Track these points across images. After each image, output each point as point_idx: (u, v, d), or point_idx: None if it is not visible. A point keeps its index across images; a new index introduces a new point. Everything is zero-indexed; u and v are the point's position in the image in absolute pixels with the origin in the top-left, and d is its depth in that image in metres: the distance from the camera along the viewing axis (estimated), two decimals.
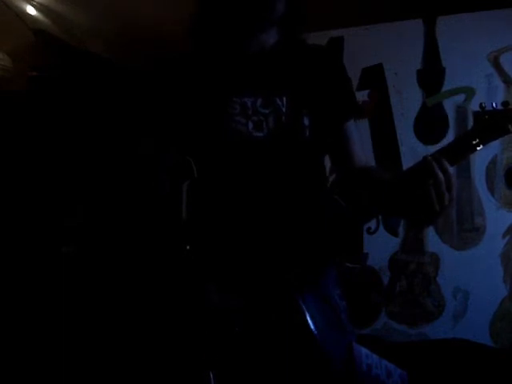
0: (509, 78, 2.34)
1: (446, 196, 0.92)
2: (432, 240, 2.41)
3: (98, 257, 2.38)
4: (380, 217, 2.26)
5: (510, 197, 2.37)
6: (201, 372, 0.98)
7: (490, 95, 2.35)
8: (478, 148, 0.96)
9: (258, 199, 1.07)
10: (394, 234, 2.41)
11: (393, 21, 2.41)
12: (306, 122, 1.10)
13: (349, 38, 2.40)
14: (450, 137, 2.40)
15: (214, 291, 1.03)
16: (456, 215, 2.39)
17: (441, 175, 0.91)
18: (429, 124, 2.41)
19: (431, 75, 2.41)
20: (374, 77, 2.42)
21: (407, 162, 2.40)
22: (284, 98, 1.10)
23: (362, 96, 2.38)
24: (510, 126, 0.97)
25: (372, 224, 2.37)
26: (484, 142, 0.96)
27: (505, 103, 0.98)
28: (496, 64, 2.35)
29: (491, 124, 0.97)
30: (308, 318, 0.99)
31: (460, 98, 2.39)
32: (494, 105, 0.98)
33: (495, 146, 2.31)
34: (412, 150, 2.41)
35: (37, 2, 2.55)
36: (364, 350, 1.01)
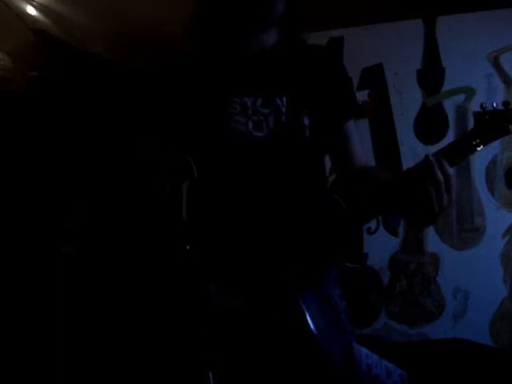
0: (509, 78, 2.34)
1: (444, 197, 0.92)
2: (432, 240, 2.41)
3: (97, 257, 2.38)
4: (380, 217, 2.26)
5: (510, 197, 2.37)
6: (200, 372, 0.98)
7: (489, 95, 2.35)
8: (479, 148, 0.96)
9: (258, 199, 1.07)
10: (394, 234, 2.41)
11: (393, 21, 2.41)
12: (306, 121, 1.10)
13: (349, 38, 2.40)
14: (449, 137, 2.40)
15: (214, 291, 1.03)
16: (456, 215, 2.39)
17: (440, 176, 0.92)
18: (429, 124, 2.41)
19: (431, 75, 2.41)
20: (374, 77, 2.42)
21: (407, 162, 2.40)
22: (284, 98, 1.10)
23: (361, 96, 2.39)
24: (510, 127, 0.97)
25: (372, 224, 2.37)
26: (484, 143, 0.96)
27: (505, 103, 0.98)
28: (496, 64, 2.35)
29: (492, 124, 0.97)
30: (308, 318, 0.99)
31: (460, 98, 2.39)
32: (494, 105, 0.98)
33: (495, 146, 2.31)
34: (412, 150, 2.41)
35: (37, 2, 2.55)
36: (364, 350, 1.01)
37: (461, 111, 2.39)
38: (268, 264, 1.02)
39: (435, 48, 2.41)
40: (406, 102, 2.43)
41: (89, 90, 2.65)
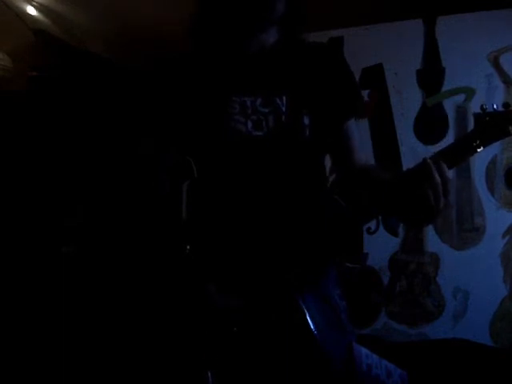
0: (509, 78, 2.34)
1: (442, 200, 0.93)
2: (432, 240, 2.41)
3: (98, 257, 2.38)
4: (380, 217, 2.26)
5: (509, 197, 2.37)
6: (199, 372, 0.98)
7: (489, 95, 2.35)
8: (479, 150, 0.96)
9: (258, 199, 1.07)
10: (394, 234, 2.41)
11: (393, 21, 2.41)
12: (306, 121, 1.09)
13: (349, 38, 2.40)
14: (449, 137, 2.40)
15: (214, 291, 1.03)
16: (456, 215, 2.39)
17: (438, 179, 0.92)
18: (429, 124, 2.42)
19: (431, 75, 2.41)
20: (374, 77, 2.42)
21: (407, 162, 2.40)
22: (284, 98, 1.10)
23: None
24: (510, 128, 0.97)
25: (372, 224, 2.37)
26: (485, 144, 0.96)
27: (506, 105, 0.99)
28: (496, 64, 2.35)
29: (492, 126, 0.97)
30: (308, 318, 0.99)
31: (460, 98, 2.39)
32: (494, 106, 0.98)
33: (495, 146, 2.29)
34: (412, 150, 2.41)
35: (37, 2, 2.55)
36: (364, 350, 1.01)
37: (461, 111, 2.39)
38: (268, 264, 1.02)
39: (435, 48, 2.41)
40: (406, 102, 2.43)
41: (89, 90, 2.65)
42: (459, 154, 0.97)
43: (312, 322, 0.99)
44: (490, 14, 2.33)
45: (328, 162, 1.28)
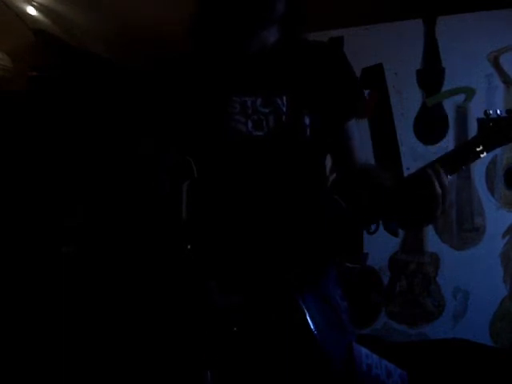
0: (509, 78, 2.34)
1: (440, 208, 0.93)
2: (432, 240, 2.41)
3: (98, 257, 2.38)
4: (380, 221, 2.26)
5: (509, 197, 2.37)
6: (199, 371, 0.98)
7: (489, 95, 2.35)
8: (482, 155, 0.97)
9: (258, 199, 1.07)
10: (394, 234, 2.41)
11: (393, 21, 2.41)
12: (307, 121, 1.09)
13: (349, 38, 2.40)
14: (449, 137, 2.40)
15: (214, 291, 1.03)
16: (456, 215, 2.39)
17: (438, 189, 0.92)
18: (429, 124, 2.42)
19: (431, 75, 2.41)
20: (374, 77, 2.42)
21: (407, 162, 2.40)
22: (284, 98, 1.10)
23: None
24: None
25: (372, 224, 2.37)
26: (488, 149, 0.97)
27: (509, 111, 0.99)
28: (496, 64, 2.35)
29: (496, 131, 0.97)
30: (308, 318, 0.99)
31: (460, 98, 2.39)
32: (498, 112, 0.98)
33: None
34: (412, 150, 2.41)
35: (37, 2, 2.55)
36: (364, 350, 1.01)
37: (461, 111, 2.39)
38: (268, 264, 1.02)
39: (435, 48, 2.40)
40: (406, 102, 2.43)
41: (89, 90, 2.65)
42: (462, 159, 0.97)
43: (312, 322, 0.99)
44: (490, 14, 2.33)
45: (328, 161, 1.28)
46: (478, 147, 0.96)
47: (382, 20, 2.40)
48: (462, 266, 2.37)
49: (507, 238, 2.36)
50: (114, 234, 2.37)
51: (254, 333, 0.99)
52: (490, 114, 0.98)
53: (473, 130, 2.35)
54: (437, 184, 0.92)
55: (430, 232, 2.40)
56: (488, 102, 2.34)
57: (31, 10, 2.59)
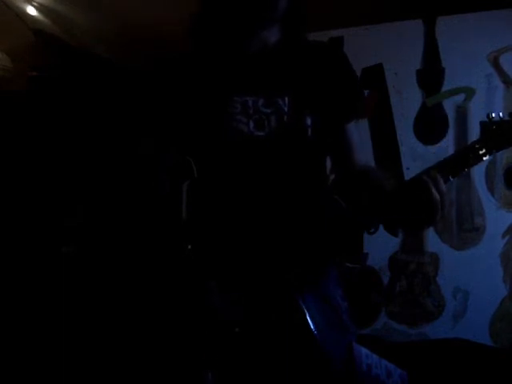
0: (508, 78, 2.34)
1: (439, 214, 0.94)
2: (432, 240, 2.41)
3: (98, 257, 2.38)
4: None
5: (509, 197, 2.37)
6: (199, 372, 0.98)
7: (489, 95, 2.35)
8: (485, 158, 0.97)
9: (259, 199, 1.07)
10: (394, 234, 2.41)
11: (393, 21, 2.40)
12: (309, 121, 1.09)
13: (349, 38, 2.40)
14: (449, 137, 2.40)
15: (215, 291, 1.03)
16: (456, 215, 2.40)
17: (437, 195, 0.93)
18: (429, 124, 2.42)
19: (431, 75, 2.41)
20: (374, 77, 2.42)
21: (407, 162, 2.40)
22: (286, 98, 1.10)
23: None
24: None
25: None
26: (491, 152, 0.97)
27: (511, 114, 0.99)
28: (496, 64, 2.35)
29: (499, 134, 0.97)
30: (308, 318, 0.99)
31: (460, 98, 2.39)
32: (500, 115, 0.99)
33: None
34: (412, 150, 2.41)
35: (37, 2, 2.55)
36: (364, 350, 1.01)
37: (461, 111, 2.39)
38: (268, 264, 1.02)
39: (435, 48, 2.40)
40: (406, 101, 2.43)
41: (89, 90, 2.65)
42: (465, 162, 0.97)
43: (312, 322, 0.99)
44: (490, 14, 2.33)
45: (328, 162, 1.27)
46: (481, 150, 0.96)
47: (382, 20, 2.40)
48: (462, 266, 2.37)
49: (507, 237, 2.36)
50: (113, 234, 2.37)
51: (255, 333, 0.99)
52: (492, 117, 0.99)
53: (473, 130, 2.35)
54: (434, 190, 0.93)
55: (430, 232, 2.40)
56: (488, 102, 2.34)
57: (31, 10, 2.59)
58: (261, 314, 1.00)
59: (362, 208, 1.01)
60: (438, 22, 2.39)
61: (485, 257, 2.36)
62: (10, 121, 2.52)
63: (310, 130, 1.09)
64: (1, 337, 2.14)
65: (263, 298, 1.01)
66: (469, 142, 1.00)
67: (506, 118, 0.99)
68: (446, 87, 2.40)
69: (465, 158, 0.97)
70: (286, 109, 1.09)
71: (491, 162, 2.35)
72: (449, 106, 2.40)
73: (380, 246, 2.37)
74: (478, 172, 2.36)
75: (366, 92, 2.42)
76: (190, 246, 1.08)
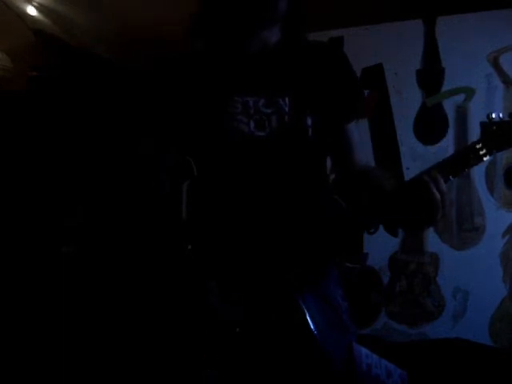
0: (508, 78, 2.34)
1: (440, 213, 0.94)
2: (432, 240, 2.41)
3: (98, 257, 2.38)
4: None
5: (509, 197, 2.37)
6: (200, 372, 0.98)
7: (489, 95, 2.35)
8: (485, 158, 0.97)
9: (259, 199, 1.07)
10: (394, 234, 2.41)
11: (393, 21, 2.41)
12: (309, 121, 1.09)
13: (349, 38, 2.40)
14: (449, 137, 2.40)
15: (215, 291, 1.03)
16: (456, 215, 2.40)
17: (437, 195, 0.93)
18: (429, 124, 2.42)
19: (431, 75, 2.41)
20: (374, 77, 2.42)
21: (407, 162, 2.40)
22: (287, 98, 1.10)
23: None
24: None
25: None
26: (491, 153, 0.97)
27: (511, 114, 0.99)
28: (496, 64, 2.35)
29: (499, 135, 0.97)
30: (308, 318, 0.99)
31: (460, 98, 2.39)
32: (500, 115, 0.99)
33: None
34: (412, 150, 2.41)
35: (37, 2, 2.55)
36: (364, 350, 1.01)
37: (461, 111, 2.39)
38: (268, 264, 1.02)
39: (435, 48, 2.40)
40: (406, 101, 2.43)
41: (88, 90, 2.65)
42: (465, 162, 0.97)
43: (312, 322, 0.99)
44: (490, 14, 2.33)
45: (328, 162, 1.27)
46: (482, 150, 0.96)
47: (382, 20, 2.40)
48: (462, 266, 2.37)
49: (507, 237, 2.36)
50: (113, 234, 2.37)
51: (255, 333, 1.00)
52: (492, 118, 0.99)
53: (473, 130, 2.35)
54: (435, 190, 0.93)
55: (430, 232, 2.40)
56: (488, 102, 2.34)
57: (31, 10, 2.60)
58: (261, 314, 1.00)
59: (362, 208, 1.01)
60: (438, 22, 2.39)
61: (485, 257, 2.36)
62: (10, 121, 2.53)
63: (310, 130, 1.09)
64: (1, 336, 2.14)
65: (263, 298, 1.01)
66: (469, 142, 1.00)
67: (506, 118, 0.99)
68: (446, 87, 2.40)
69: (465, 158, 0.97)
70: (286, 109, 1.09)
71: (491, 162, 2.35)
72: (449, 106, 2.40)
73: (380, 245, 2.37)
74: (478, 172, 2.36)
75: (366, 92, 2.42)
76: (190, 246, 1.08)
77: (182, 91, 1.14)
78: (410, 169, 2.37)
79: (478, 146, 0.97)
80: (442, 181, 0.94)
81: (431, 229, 2.39)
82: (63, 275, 2.34)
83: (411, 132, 2.43)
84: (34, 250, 2.39)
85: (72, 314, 2.23)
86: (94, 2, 2.51)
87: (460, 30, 2.36)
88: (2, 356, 2.07)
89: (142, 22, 2.47)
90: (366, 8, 2.33)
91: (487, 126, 0.99)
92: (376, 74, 2.42)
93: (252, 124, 1.08)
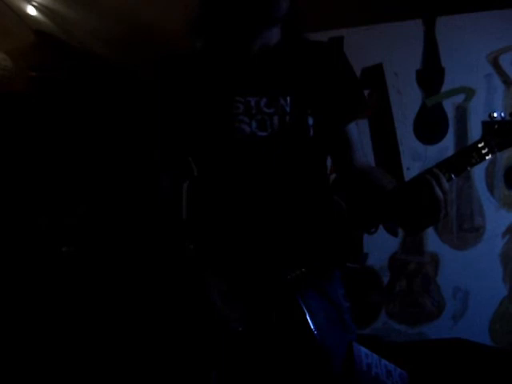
0: (508, 78, 2.34)
1: (443, 212, 0.94)
2: (432, 240, 2.41)
3: (98, 257, 2.38)
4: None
5: (509, 197, 2.37)
6: (204, 371, 0.99)
7: (489, 95, 2.35)
8: (487, 157, 0.97)
9: (261, 198, 1.08)
10: (394, 234, 2.41)
11: (393, 21, 2.40)
12: (310, 121, 1.10)
13: (349, 38, 2.40)
14: (449, 137, 2.40)
15: (218, 290, 1.03)
16: (456, 215, 2.40)
17: (440, 193, 0.93)
18: (428, 124, 2.42)
19: (431, 75, 2.41)
20: (374, 77, 2.42)
21: (407, 162, 2.40)
22: (288, 98, 1.10)
23: None
24: None
25: None
26: (493, 152, 0.97)
27: None
28: (495, 64, 2.35)
29: (501, 134, 0.97)
30: (308, 318, 0.99)
31: (460, 98, 2.39)
32: (502, 114, 0.99)
33: None
34: (412, 150, 2.41)
35: (37, 2, 2.55)
36: (364, 350, 1.01)
37: (460, 111, 2.39)
38: (269, 263, 1.02)
39: (435, 48, 2.40)
40: (406, 101, 2.43)
41: (89, 89, 2.65)
42: (467, 161, 0.97)
43: (312, 322, 0.99)
44: (489, 14, 2.32)
45: (329, 161, 1.27)
46: (484, 149, 0.96)
47: (382, 20, 2.40)
48: (462, 266, 2.37)
49: (507, 237, 2.36)
50: (114, 234, 2.37)
51: (256, 333, 1.00)
52: (494, 117, 0.98)
53: (473, 130, 2.35)
54: (437, 188, 0.93)
55: (430, 232, 2.40)
56: (488, 102, 2.34)
57: (31, 10, 2.60)
58: (262, 314, 1.01)
59: (362, 208, 1.01)
60: (437, 22, 2.39)
61: (485, 257, 2.36)
62: (10, 121, 2.53)
63: (311, 130, 1.10)
64: (1, 336, 2.14)
65: (264, 298, 1.01)
66: (469, 142, 1.00)
67: (508, 118, 0.99)
68: (446, 87, 2.40)
69: (468, 156, 0.97)
70: (288, 109, 1.09)
71: (491, 162, 2.35)
72: (449, 106, 2.40)
73: (380, 246, 2.37)
74: (478, 172, 2.36)
75: (365, 92, 2.42)
76: (192, 246, 1.08)
77: (183, 91, 1.13)
78: (411, 169, 2.37)
79: (480, 145, 0.97)
80: (444, 179, 0.94)
81: (431, 229, 2.39)
82: (63, 275, 2.34)
83: (411, 132, 2.42)
84: (34, 249, 2.39)
85: (73, 314, 2.23)
86: (94, 1, 2.51)
87: (460, 29, 2.36)
88: (2, 356, 2.07)
89: (142, 22, 2.47)
90: (366, 8, 2.33)
91: (489, 124, 0.99)
92: (376, 74, 2.42)
93: (254, 124, 1.09)
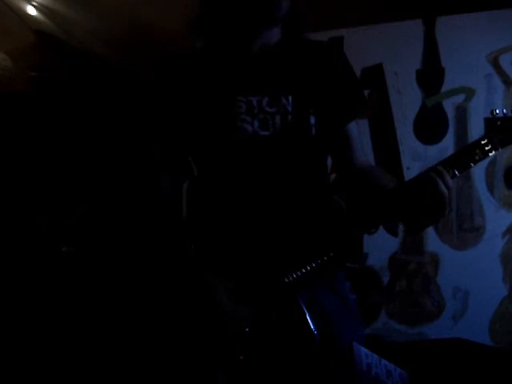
0: (508, 78, 2.34)
1: (447, 208, 0.94)
2: (432, 240, 2.41)
3: (98, 257, 2.38)
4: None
5: (509, 197, 2.37)
6: (211, 372, 0.99)
7: (489, 95, 2.35)
8: (491, 154, 0.97)
9: (263, 198, 1.08)
10: (394, 234, 2.41)
11: (393, 21, 2.41)
12: (312, 120, 1.10)
13: (349, 38, 2.40)
14: (449, 137, 2.40)
15: (223, 291, 1.03)
16: (456, 215, 2.40)
17: (445, 191, 0.93)
18: (428, 124, 2.42)
19: (431, 75, 2.41)
20: (374, 77, 2.42)
21: (407, 162, 2.40)
22: (290, 97, 1.10)
23: None
24: None
25: None
26: (496, 148, 0.97)
27: None
28: (495, 64, 2.35)
29: (503, 131, 0.97)
30: (308, 318, 1.00)
31: (460, 98, 2.39)
32: (504, 111, 0.99)
33: None
34: (412, 150, 2.41)
35: (37, 3, 2.55)
36: (364, 350, 1.01)
37: (460, 111, 2.39)
38: (269, 263, 1.02)
39: (435, 48, 2.40)
40: (406, 101, 2.43)
41: (89, 89, 2.65)
42: (471, 158, 0.97)
43: (312, 322, 1.00)
44: (490, 14, 2.33)
45: (329, 161, 1.28)
46: (487, 146, 0.96)
47: (382, 20, 2.40)
48: (462, 266, 2.37)
49: (507, 237, 2.36)
50: (114, 234, 2.37)
51: (257, 333, 1.00)
52: (496, 114, 0.98)
53: (473, 130, 2.35)
54: (442, 185, 0.93)
55: (430, 232, 2.40)
56: (488, 102, 2.34)
57: (31, 10, 2.60)
58: (261, 314, 1.01)
59: (362, 208, 1.01)
60: (437, 22, 2.39)
61: (485, 257, 2.36)
62: (10, 121, 2.53)
63: (313, 130, 1.10)
64: (1, 336, 2.14)
65: (264, 298, 1.01)
66: (469, 142, 1.00)
67: (510, 114, 0.99)
68: (446, 87, 2.40)
69: (471, 153, 0.97)
70: (289, 108, 1.09)
71: (491, 162, 2.35)
72: (449, 106, 2.40)
73: (380, 245, 2.37)
74: (478, 172, 2.36)
75: (365, 92, 2.42)
76: (193, 246, 1.08)
77: (183, 91, 1.13)
78: (411, 169, 2.37)
79: (483, 142, 0.97)
80: (448, 176, 0.94)
81: (431, 229, 2.39)
82: (63, 275, 2.34)
83: (411, 132, 2.42)
84: (34, 249, 2.39)
85: (73, 314, 2.23)
86: (94, 1, 2.51)
87: (460, 30, 2.36)
88: (2, 356, 2.07)
89: (142, 22, 2.47)
90: (366, 8, 2.33)
91: (492, 121, 0.99)
92: (376, 74, 2.42)
93: (256, 123, 1.09)
